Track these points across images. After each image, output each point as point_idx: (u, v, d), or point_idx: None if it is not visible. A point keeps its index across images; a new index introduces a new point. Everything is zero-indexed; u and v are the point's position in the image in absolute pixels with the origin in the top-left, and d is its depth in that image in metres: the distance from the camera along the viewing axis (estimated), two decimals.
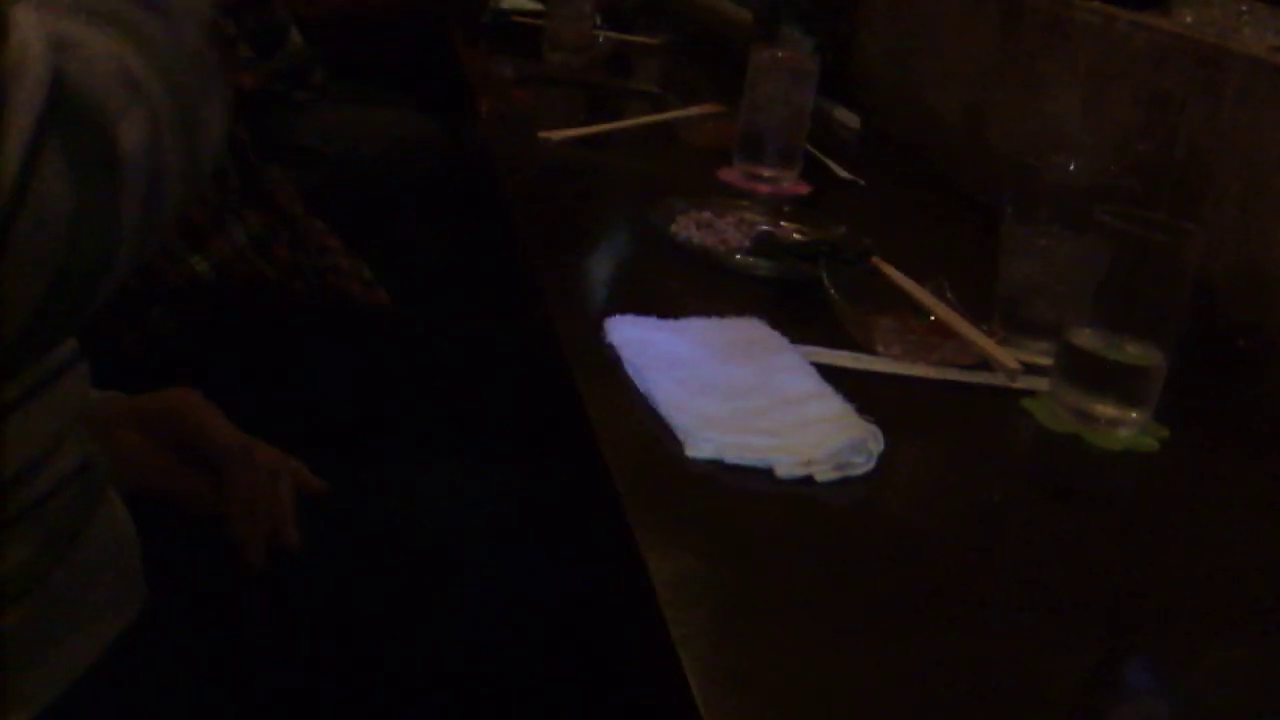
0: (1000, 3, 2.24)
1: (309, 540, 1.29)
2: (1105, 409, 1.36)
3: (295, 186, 2.14)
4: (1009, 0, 2.21)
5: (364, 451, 1.71)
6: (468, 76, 2.82)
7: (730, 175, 2.14)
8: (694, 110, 2.36)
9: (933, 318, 1.51)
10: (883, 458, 1.20)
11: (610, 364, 1.32)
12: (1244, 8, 1.85)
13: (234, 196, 1.92)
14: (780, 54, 2.14)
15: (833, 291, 1.52)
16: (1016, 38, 2.19)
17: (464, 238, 2.47)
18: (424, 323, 1.98)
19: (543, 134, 2.22)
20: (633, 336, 1.36)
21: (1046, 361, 1.48)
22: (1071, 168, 1.55)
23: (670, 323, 1.41)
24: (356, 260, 2.14)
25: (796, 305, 1.57)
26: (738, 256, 1.68)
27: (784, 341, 1.39)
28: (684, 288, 1.62)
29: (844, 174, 2.24)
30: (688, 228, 1.76)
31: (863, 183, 2.23)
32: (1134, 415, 1.37)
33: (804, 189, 2.13)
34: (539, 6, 3.40)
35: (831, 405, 1.25)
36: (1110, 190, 1.52)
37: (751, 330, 1.41)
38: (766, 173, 2.11)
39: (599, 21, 3.38)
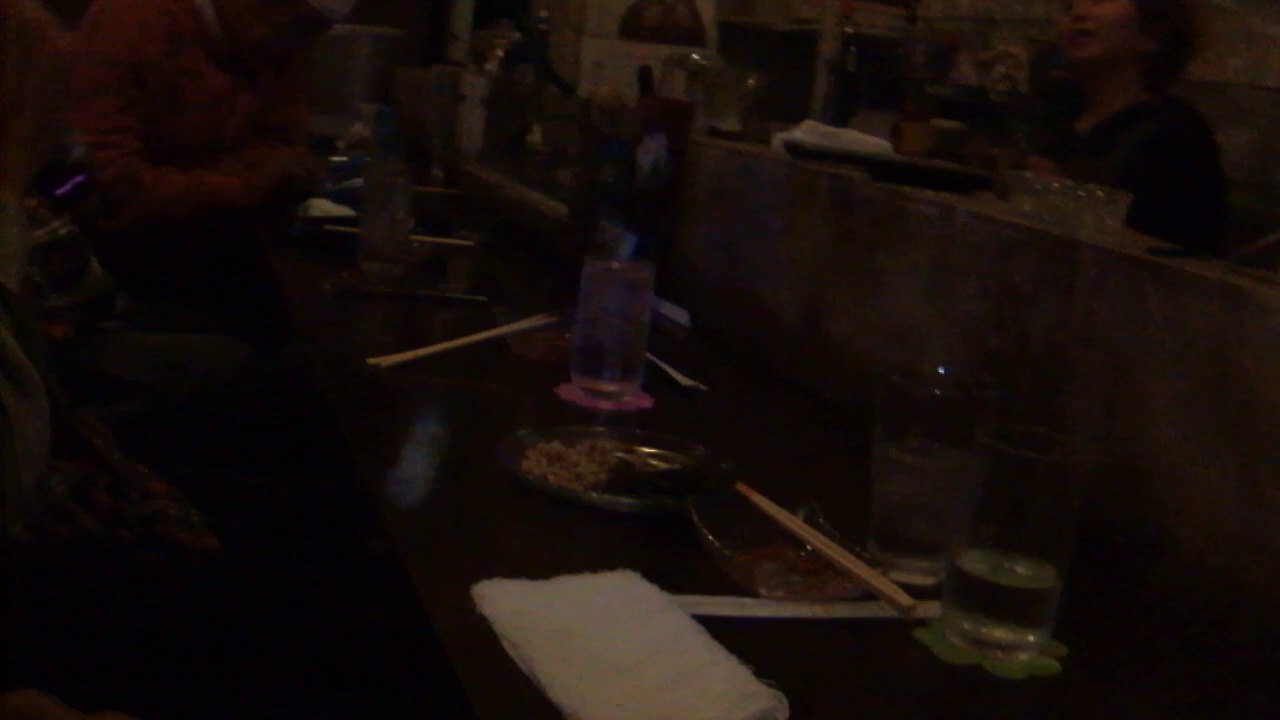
0: (831, 194, 2.21)
1: None
2: (1001, 634, 1.30)
3: (111, 429, 2.03)
4: (839, 192, 2.18)
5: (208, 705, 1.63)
6: (283, 293, 2.72)
7: (570, 393, 2.06)
8: (524, 323, 2.29)
9: (809, 548, 1.44)
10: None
11: (486, 639, 1.23)
12: (1081, 194, 1.83)
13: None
14: (614, 265, 2.08)
15: (709, 536, 1.44)
16: (851, 230, 2.15)
17: (298, 477, 2.35)
18: (260, 571, 1.89)
19: (372, 360, 2.12)
20: (506, 607, 1.27)
21: (927, 580, 1.43)
22: (939, 382, 1.50)
23: (543, 586, 1.33)
24: (184, 504, 2.02)
25: (665, 543, 1.50)
26: (594, 495, 1.60)
27: (664, 597, 1.31)
28: (546, 535, 1.54)
29: (685, 381, 2.18)
30: (539, 464, 1.68)
31: (704, 388, 2.17)
32: (1031, 639, 1.31)
33: (647, 402, 2.07)
34: (350, 212, 3.31)
35: (730, 673, 1.17)
36: (980, 401, 1.47)
37: (629, 587, 1.33)
38: (607, 388, 2.05)
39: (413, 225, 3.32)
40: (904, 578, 1.43)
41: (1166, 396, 1.52)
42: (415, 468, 1.81)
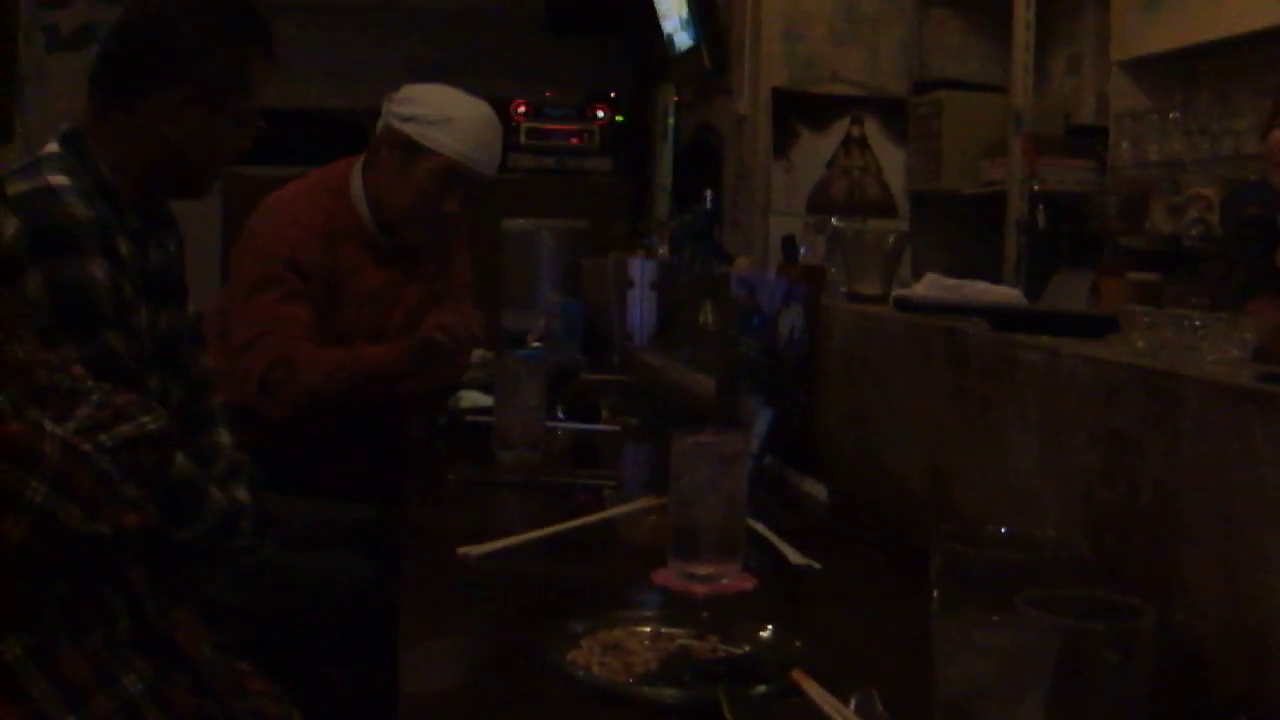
0: (946, 350, 2.04)
1: None
2: None
3: (207, 627, 1.94)
4: (954, 346, 2.01)
5: None
6: (407, 485, 2.63)
7: (665, 577, 1.91)
8: (634, 505, 2.15)
9: None
10: None
11: None
12: (1198, 323, 1.63)
13: (122, 644, 1.71)
14: (703, 438, 1.93)
15: None
16: (966, 387, 1.97)
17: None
18: None
19: (462, 550, 2.00)
20: None
21: None
22: (1002, 543, 1.31)
23: None
24: (285, 704, 1.91)
25: None
26: (637, 687, 1.44)
27: None
28: None
29: (798, 559, 2.01)
30: (590, 654, 1.53)
31: (818, 566, 1.99)
32: None
33: (748, 584, 1.89)
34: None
35: None
36: (1052, 563, 1.28)
37: None
38: (702, 570, 1.88)
39: (561, 414, 3.21)
40: None
41: None
42: (457, 659, 1.67)
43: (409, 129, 3.31)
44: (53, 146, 2.32)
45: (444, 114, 3.31)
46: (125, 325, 2.20)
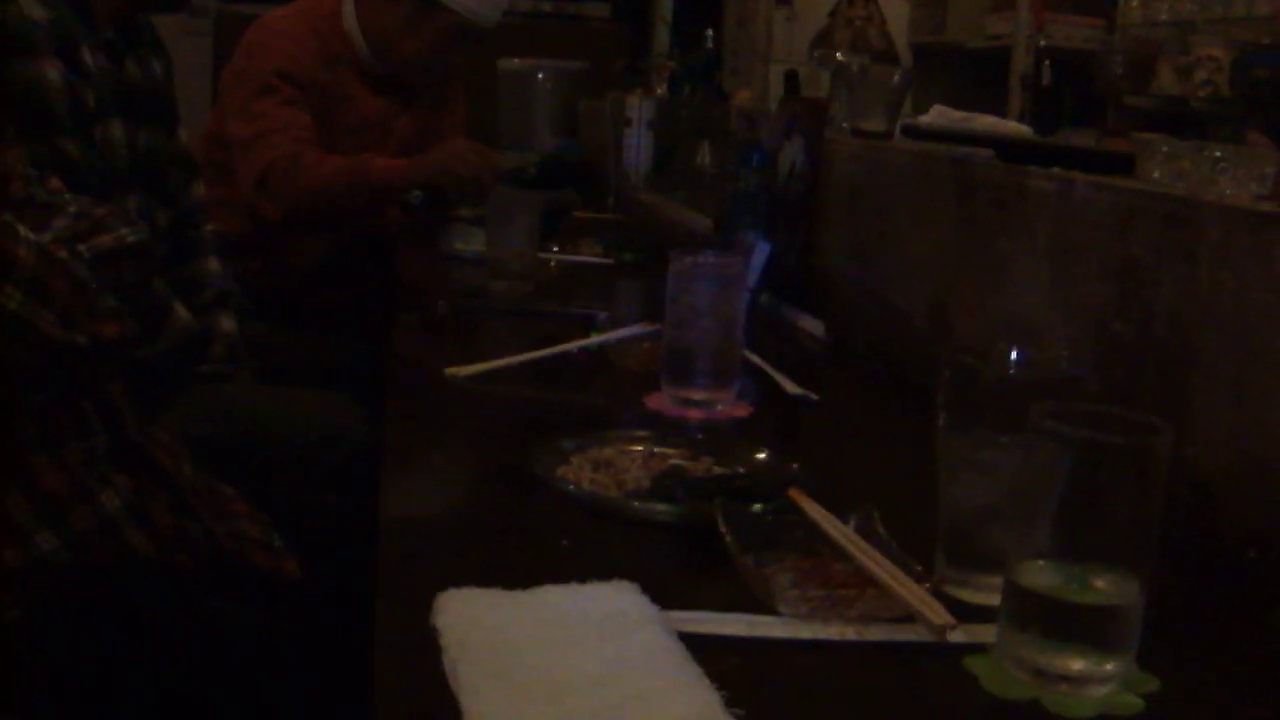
0: (954, 180, 1.98)
1: None
2: (1068, 663, 1.06)
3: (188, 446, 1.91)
4: (961, 176, 1.95)
5: None
6: (395, 314, 2.58)
7: (658, 401, 1.86)
8: (625, 331, 2.09)
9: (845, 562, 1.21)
10: None
11: (425, 653, 1.03)
12: (1218, 154, 1.58)
13: (101, 460, 1.67)
14: (701, 259, 1.87)
15: (729, 539, 1.23)
16: (973, 218, 1.92)
17: None
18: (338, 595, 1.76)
19: (450, 370, 1.96)
20: (463, 618, 1.07)
21: None
22: (1012, 360, 1.27)
23: (516, 596, 1.13)
24: (267, 528, 1.87)
25: (699, 557, 1.29)
26: (628, 502, 1.40)
27: (651, 612, 1.10)
28: (559, 546, 1.33)
29: (794, 389, 1.96)
30: (579, 471, 1.49)
31: (815, 398, 1.94)
32: (1109, 667, 1.06)
33: (743, 411, 1.85)
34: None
35: (693, 698, 0.95)
36: (1062, 385, 1.23)
37: (614, 600, 1.12)
38: (697, 395, 1.84)
39: (555, 248, 3.16)
40: (976, 597, 1.21)
41: None
42: (442, 476, 1.62)
43: None
44: None
45: None
46: (84, 134, 2.13)
